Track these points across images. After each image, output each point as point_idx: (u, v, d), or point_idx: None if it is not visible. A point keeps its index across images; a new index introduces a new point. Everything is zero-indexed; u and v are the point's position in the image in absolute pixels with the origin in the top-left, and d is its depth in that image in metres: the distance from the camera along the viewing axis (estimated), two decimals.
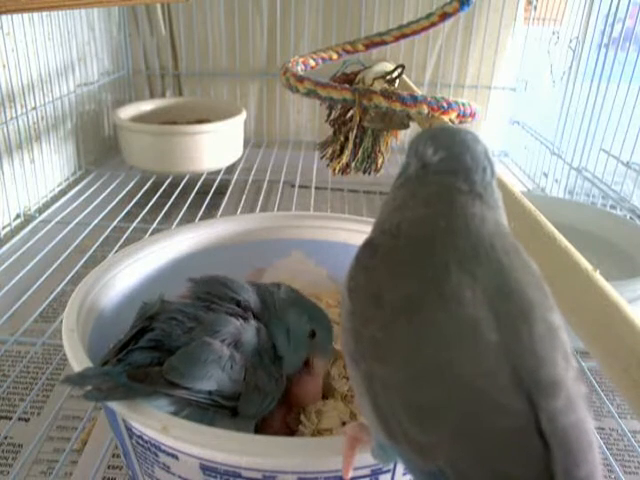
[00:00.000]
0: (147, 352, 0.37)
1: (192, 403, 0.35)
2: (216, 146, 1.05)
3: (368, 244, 0.30)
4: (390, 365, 0.25)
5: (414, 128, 0.47)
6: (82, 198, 0.98)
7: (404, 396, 0.24)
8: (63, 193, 1.03)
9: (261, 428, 0.40)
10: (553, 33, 1.21)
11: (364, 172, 0.53)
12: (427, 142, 0.30)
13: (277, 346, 0.43)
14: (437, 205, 0.28)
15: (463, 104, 0.44)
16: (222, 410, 0.37)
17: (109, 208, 0.94)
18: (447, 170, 0.29)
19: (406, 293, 0.26)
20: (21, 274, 0.72)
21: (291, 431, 0.42)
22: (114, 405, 0.32)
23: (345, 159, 0.51)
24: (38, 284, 0.70)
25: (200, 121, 1.10)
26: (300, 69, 0.52)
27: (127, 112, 1.10)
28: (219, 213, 0.95)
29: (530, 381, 0.22)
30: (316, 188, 1.02)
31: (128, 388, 0.33)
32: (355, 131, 0.49)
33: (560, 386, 0.22)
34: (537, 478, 0.21)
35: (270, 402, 0.40)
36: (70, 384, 0.32)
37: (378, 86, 0.49)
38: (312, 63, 0.55)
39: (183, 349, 0.37)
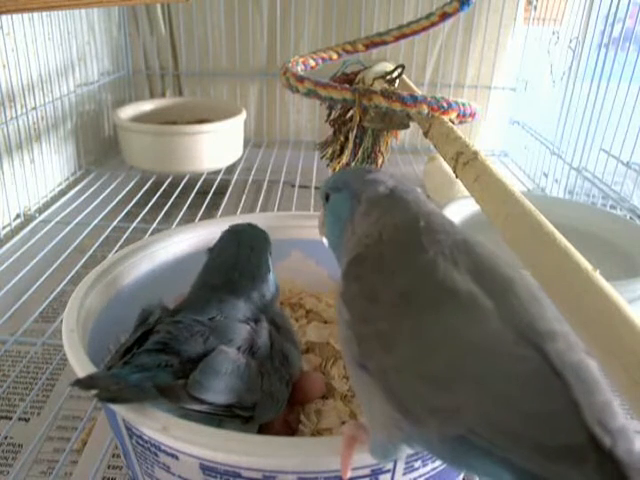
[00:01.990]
0: (154, 354, 0.37)
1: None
2: (216, 146, 1.05)
3: (354, 258, 0.33)
4: (400, 349, 0.26)
5: (414, 128, 0.47)
6: (82, 198, 0.98)
7: (421, 369, 0.25)
8: (63, 193, 1.03)
9: (263, 428, 0.40)
10: (553, 33, 1.21)
11: None
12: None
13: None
14: (412, 210, 0.33)
15: (463, 104, 0.44)
16: (235, 419, 0.37)
17: (109, 208, 0.94)
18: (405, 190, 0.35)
19: (401, 286, 0.28)
20: (21, 274, 0.72)
21: (292, 430, 0.42)
22: (115, 406, 0.32)
23: (345, 159, 0.51)
24: (38, 284, 0.70)
25: (200, 121, 1.10)
26: (300, 69, 0.52)
27: (127, 112, 1.10)
28: (219, 213, 0.95)
29: (530, 332, 0.24)
30: (316, 188, 1.02)
31: (138, 390, 0.33)
32: (355, 131, 0.49)
33: (557, 333, 0.25)
34: (562, 408, 0.22)
35: (281, 406, 0.40)
36: (80, 387, 0.32)
37: (378, 86, 0.49)
38: (312, 63, 0.55)
39: (204, 362, 0.36)
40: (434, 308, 0.26)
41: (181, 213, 0.92)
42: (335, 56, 0.57)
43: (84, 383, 0.32)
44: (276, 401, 0.39)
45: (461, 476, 0.40)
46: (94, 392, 0.32)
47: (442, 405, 0.24)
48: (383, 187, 0.35)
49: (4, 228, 0.88)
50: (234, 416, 0.36)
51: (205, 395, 0.34)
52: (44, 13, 0.95)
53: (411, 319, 0.27)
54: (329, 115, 0.53)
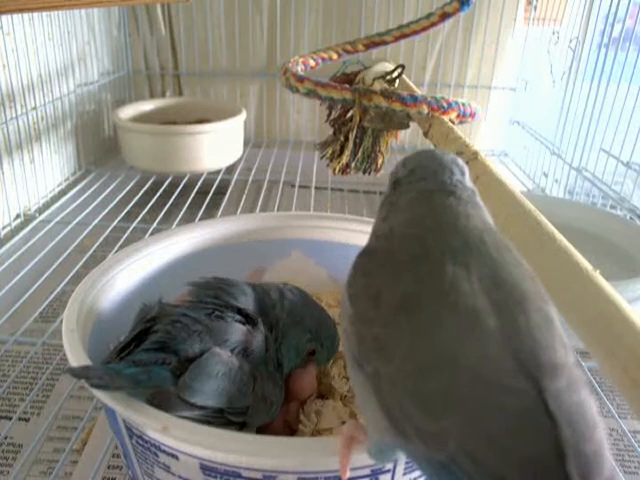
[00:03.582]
0: (152, 353, 0.37)
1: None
2: (216, 146, 1.05)
3: (364, 251, 0.31)
4: (395, 361, 0.25)
5: (414, 128, 0.47)
6: (82, 198, 0.98)
7: (412, 388, 0.24)
8: (63, 193, 1.03)
9: (261, 428, 0.40)
10: (553, 33, 1.21)
11: (364, 172, 0.53)
12: (400, 163, 0.33)
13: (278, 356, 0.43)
14: (418, 207, 0.30)
15: (463, 104, 0.44)
16: (230, 426, 0.36)
17: (109, 208, 0.94)
18: (417, 178, 0.31)
19: (404, 291, 0.26)
20: (21, 274, 0.72)
21: (291, 430, 0.42)
22: (114, 405, 0.32)
23: (345, 159, 0.51)
24: (38, 284, 0.70)
25: (200, 121, 1.10)
26: (300, 69, 0.52)
27: (127, 112, 1.10)
28: (219, 213, 0.95)
29: (532, 364, 0.23)
30: (316, 188, 1.02)
31: (132, 380, 0.33)
32: (355, 131, 0.49)
33: (561, 368, 0.23)
34: (547, 454, 0.21)
35: (275, 410, 0.40)
36: (73, 375, 0.32)
37: (378, 86, 0.49)
38: (312, 63, 0.55)
39: (195, 364, 0.36)
40: (434, 323, 0.25)
41: (181, 213, 0.92)
42: (335, 56, 0.57)
43: (77, 372, 0.32)
44: (269, 405, 0.39)
45: None
46: (86, 381, 0.32)
47: (427, 429, 0.23)
48: (394, 178, 0.33)
49: (4, 228, 0.88)
50: (227, 423, 0.36)
51: (196, 398, 0.34)
52: (44, 13, 0.95)
53: (409, 333, 0.25)
54: (329, 115, 0.53)
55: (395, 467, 0.32)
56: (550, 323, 0.25)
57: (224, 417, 0.36)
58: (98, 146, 1.23)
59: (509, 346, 0.23)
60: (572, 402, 0.22)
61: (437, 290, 0.26)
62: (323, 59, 0.57)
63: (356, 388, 0.29)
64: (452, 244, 0.27)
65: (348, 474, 0.30)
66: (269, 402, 0.39)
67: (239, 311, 0.42)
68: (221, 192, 1.04)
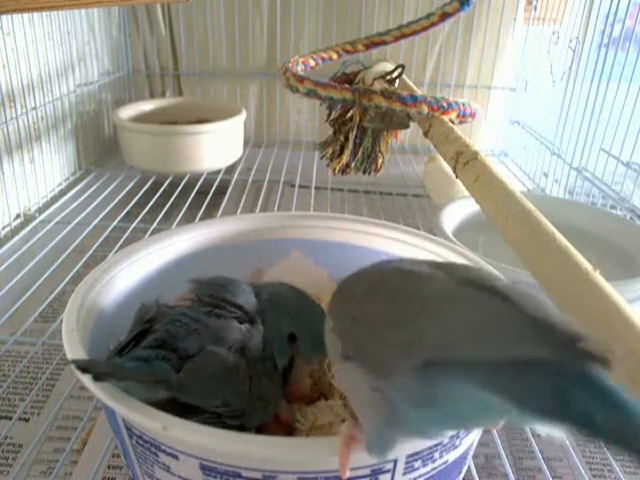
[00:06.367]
0: (152, 350, 0.37)
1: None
2: (216, 146, 1.05)
3: (340, 282, 0.35)
4: (370, 318, 0.28)
5: (414, 128, 0.47)
6: (82, 198, 0.98)
7: (387, 321, 0.27)
8: (63, 193, 1.03)
9: (259, 429, 0.40)
10: (553, 33, 1.21)
11: (364, 172, 0.53)
12: None
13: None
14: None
15: (463, 104, 0.44)
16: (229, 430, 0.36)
17: (109, 208, 0.94)
18: None
19: (370, 280, 0.31)
20: (21, 274, 0.72)
21: (288, 429, 0.42)
22: (114, 405, 0.32)
23: (345, 159, 0.51)
24: (38, 284, 0.70)
25: (200, 121, 1.10)
26: (300, 69, 0.52)
27: (127, 112, 1.10)
28: (219, 213, 0.95)
29: (486, 284, 0.26)
30: (316, 188, 1.02)
31: (135, 371, 0.33)
32: (355, 131, 0.49)
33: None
34: (522, 327, 0.22)
35: (272, 409, 0.40)
36: (76, 366, 0.32)
37: (378, 86, 0.49)
38: (312, 63, 0.55)
39: (190, 362, 0.36)
40: (399, 285, 0.29)
41: (181, 213, 0.92)
42: (335, 56, 0.58)
43: (81, 364, 0.32)
44: (266, 404, 0.39)
45: (461, 476, 0.40)
46: (89, 374, 0.32)
47: (403, 338, 0.25)
48: None
49: (4, 228, 0.88)
50: (224, 428, 0.36)
51: (191, 397, 0.34)
52: (44, 13, 0.95)
53: (380, 295, 0.29)
54: (329, 115, 0.53)
55: (395, 467, 0.33)
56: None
57: (221, 422, 0.36)
58: (98, 146, 1.23)
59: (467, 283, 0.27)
60: (522, 290, 0.25)
61: (400, 271, 0.30)
62: (323, 59, 0.57)
63: (346, 384, 0.31)
64: (425, 263, 0.31)
65: (348, 474, 0.30)
66: (265, 402, 0.39)
67: (239, 308, 0.42)
68: (221, 192, 1.04)
